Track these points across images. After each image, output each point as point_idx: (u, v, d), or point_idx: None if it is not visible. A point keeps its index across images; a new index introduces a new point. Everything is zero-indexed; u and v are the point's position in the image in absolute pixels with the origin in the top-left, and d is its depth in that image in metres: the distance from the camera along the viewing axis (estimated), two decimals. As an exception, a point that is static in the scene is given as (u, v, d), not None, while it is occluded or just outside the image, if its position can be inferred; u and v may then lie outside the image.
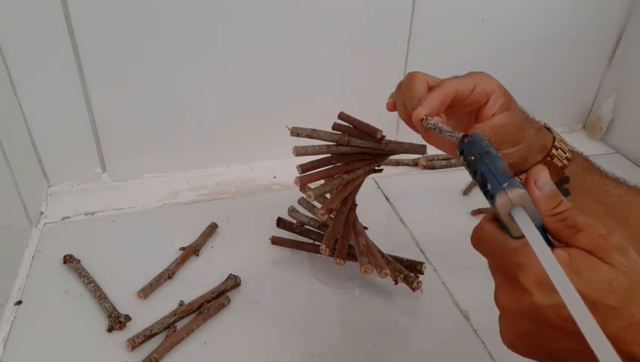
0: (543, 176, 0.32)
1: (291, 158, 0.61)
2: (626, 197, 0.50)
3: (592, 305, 0.28)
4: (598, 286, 0.29)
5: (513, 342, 0.34)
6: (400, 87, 0.46)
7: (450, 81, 0.43)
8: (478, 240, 0.33)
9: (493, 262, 0.33)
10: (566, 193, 0.51)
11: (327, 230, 0.58)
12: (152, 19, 0.71)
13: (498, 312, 0.34)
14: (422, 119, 0.41)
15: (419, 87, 0.44)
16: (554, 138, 0.50)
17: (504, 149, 0.45)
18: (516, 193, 0.30)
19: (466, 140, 0.36)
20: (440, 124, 0.40)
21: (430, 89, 0.43)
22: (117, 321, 0.56)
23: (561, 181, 0.51)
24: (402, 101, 0.45)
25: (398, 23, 0.83)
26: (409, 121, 0.44)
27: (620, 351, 0.28)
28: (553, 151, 0.49)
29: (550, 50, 0.92)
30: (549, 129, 0.50)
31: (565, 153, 0.49)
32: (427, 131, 0.43)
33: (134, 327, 0.56)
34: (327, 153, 0.61)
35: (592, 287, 0.29)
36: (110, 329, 0.56)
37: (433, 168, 0.89)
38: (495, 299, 0.33)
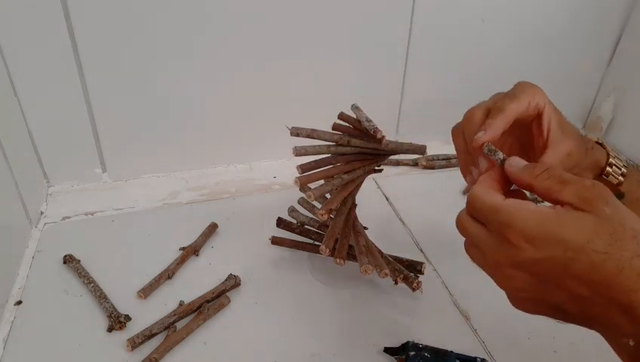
0: (511, 159, 0.37)
1: (291, 158, 0.61)
2: None
3: (581, 250, 0.31)
4: (583, 233, 0.31)
5: (521, 300, 0.36)
6: (459, 127, 0.46)
7: (511, 106, 0.42)
8: (462, 220, 0.37)
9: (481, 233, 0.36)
10: None
11: (327, 230, 0.58)
12: (152, 19, 0.71)
13: (503, 293, 0.36)
14: (482, 145, 0.41)
15: (478, 115, 0.43)
16: (608, 155, 0.48)
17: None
18: None
19: None
20: (504, 158, 0.39)
21: (489, 114, 0.43)
22: (117, 321, 0.56)
23: (617, 197, 0.49)
24: (462, 141, 0.45)
25: (398, 23, 0.83)
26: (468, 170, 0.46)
27: (617, 300, 0.30)
28: (607, 168, 0.47)
29: (550, 49, 0.92)
30: (601, 144, 0.49)
31: (620, 169, 0.48)
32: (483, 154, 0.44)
33: (134, 327, 0.56)
34: (327, 153, 0.61)
35: (578, 234, 0.31)
36: (110, 329, 0.56)
37: (433, 168, 0.89)
38: (493, 262, 0.35)
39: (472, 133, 0.42)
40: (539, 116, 0.44)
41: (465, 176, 0.48)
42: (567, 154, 0.44)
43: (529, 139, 0.46)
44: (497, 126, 0.41)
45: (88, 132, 0.77)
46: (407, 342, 0.53)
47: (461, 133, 0.45)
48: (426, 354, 0.50)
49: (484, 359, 0.50)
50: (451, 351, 0.51)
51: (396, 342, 0.54)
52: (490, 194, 0.35)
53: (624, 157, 0.49)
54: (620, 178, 0.47)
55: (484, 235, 0.35)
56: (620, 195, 0.48)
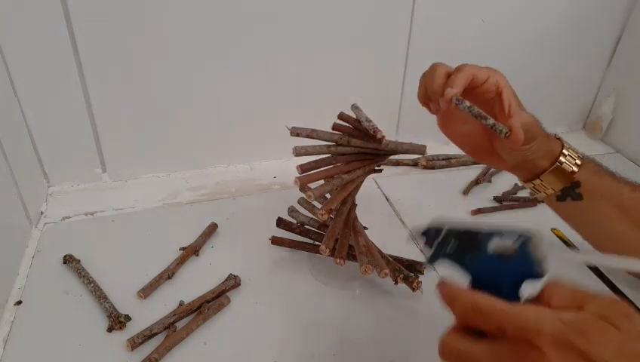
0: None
1: (291, 158, 0.61)
2: None
3: None
4: (607, 348, 0.29)
5: None
6: (424, 74, 0.52)
7: (470, 67, 0.49)
8: (451, 341, 0.35)
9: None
10: (578, 197, 0.53)
11: (327, 230, 0.58)
12: (152, 19, 0.71)
13: None
14: (451, 98, 0.47)
15: (440, 72, 0.50)
16: (562, 145, 0.53)
17: (525, 145, 0.49)
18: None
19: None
20: (470, 105, 0.46)
21: (450, 75, 0.49)
22: (117, 321, 0.56)
23: (573, 186, 0.53)
24: (424, 87, 0.52)
25: (398, 23, 0.83)
26: (427, 105, 0.52)
27: None
28: (561, 158, 0.52)
29: (550, 49, 0.92)
30: (559, 139, 0.54)
31: (575, 159, 0.52)
32: (445, 118, 0.53)
33: (134, 327, 0.56)
34: (327, 153, 0.61)
35: (602, 349, 0.29)
36: (110, 329, 0.56)
37: (433, 168, 0.89)
38: None
39: (432, 81, 0.50)
40: (499, 95, 0.50)
41: (422, 105, 0.54)
42: (529, 122, 0.49)
43: (493, 117, 0.49)
44: (460, 80, 0.48)
45: (88, 132, 0.77)
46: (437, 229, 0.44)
47: (424, 81, 0.52)
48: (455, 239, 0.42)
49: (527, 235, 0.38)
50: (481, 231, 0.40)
51: (397, 342, 0.54)
52: (494, 300, 0.32)
53: (580, 151, 0.54)
54: (574, 167, 0.52)
55: (491, 350, 0.31)
56: (576, 184, 0.53)
